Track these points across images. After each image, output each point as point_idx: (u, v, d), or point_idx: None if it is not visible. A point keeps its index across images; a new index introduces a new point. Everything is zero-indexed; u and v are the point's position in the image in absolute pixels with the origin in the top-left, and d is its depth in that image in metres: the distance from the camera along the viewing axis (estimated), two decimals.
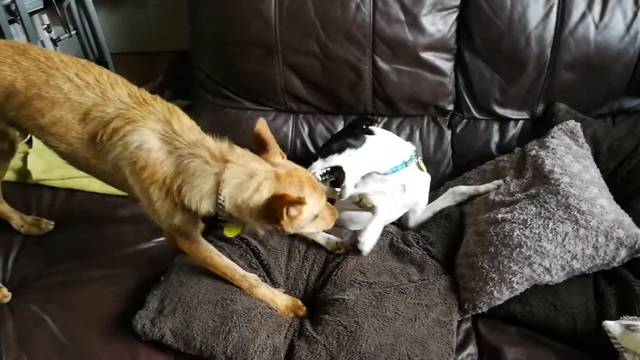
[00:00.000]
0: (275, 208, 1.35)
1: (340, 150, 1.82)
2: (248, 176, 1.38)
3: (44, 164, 2.02)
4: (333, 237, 1.82)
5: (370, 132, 1.92)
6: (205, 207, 1.40)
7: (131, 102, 1.43)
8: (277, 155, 1.50)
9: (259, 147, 1.51)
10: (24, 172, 2.02)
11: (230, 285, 1.65)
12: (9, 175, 2.03)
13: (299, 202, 1.35)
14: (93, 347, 1.58)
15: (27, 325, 1.62)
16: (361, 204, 1.80)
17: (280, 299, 1.66)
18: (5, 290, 1.72)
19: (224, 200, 1.38)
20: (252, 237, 1.84)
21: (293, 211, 1.36)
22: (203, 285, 1.64)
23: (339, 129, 2.22)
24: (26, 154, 2.00)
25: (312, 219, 1.48)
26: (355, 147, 1.84)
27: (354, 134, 1.89)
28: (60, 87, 1.42)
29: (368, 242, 1.71)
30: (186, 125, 1.44)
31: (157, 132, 1.40)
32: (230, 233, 1.64)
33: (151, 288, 1.65)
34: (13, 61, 1.44)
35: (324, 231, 1.81)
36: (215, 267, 1.63)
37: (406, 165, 1.91)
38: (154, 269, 1.78)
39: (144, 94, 1.47)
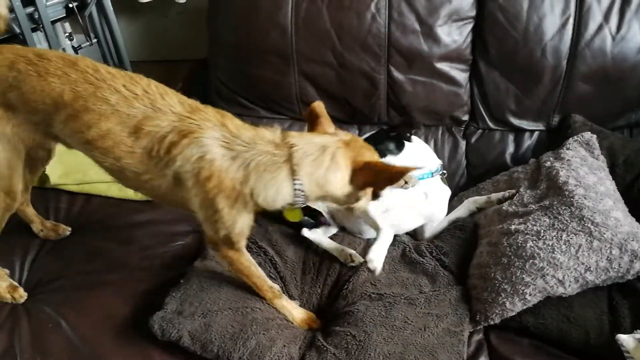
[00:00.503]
0: (367, 174, 1.36)
1: (380, 155, 1.83)
2: (319, 151, 1.36)
3: (61, 169, 2.05)
4: (346, 249, 1.82)
5: (409, 139, 1.94)
6: (283, 198, 1.38)
7: (183, 110, 1.40)
8: (330, 126, 1.49)
9: (311, 125, 1.49)
10: (42, 177, 2.06)
11: (250, 294, 1.66)
12: None
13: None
14: (106, 351, 1.59)
15: (41, 327, 1.65)
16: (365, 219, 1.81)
17: (297, 312, 1.67)
18: (21, 290, 1.74)
19: (302, 184, 1.35)
20: (271, 246, 1.86)
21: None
22: (224, 293, 1.65)
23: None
24: None
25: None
26: (394, 153, 1.87)
27: (395, 139, 1.90)
28: (108, 99, 1.38)
29: (376, 260, 1.68)
30: (239, 125, 1.42)
31: (216, 139, 1.36)
32: (293, 217, 1.60)
33: (169, 291, 1.67)
34: (62, 73, 1.40)
35: (337, 241, 1.83)
36: (250, 276, 1.62)
37: (432, 176, 1.93)
38: (170, 274, 1.80)
39: (193, 102, 1.44)
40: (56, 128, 1.45)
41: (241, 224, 1.44)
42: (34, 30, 2.47)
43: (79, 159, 1.99)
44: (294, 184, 1.35)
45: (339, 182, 1.38)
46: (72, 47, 2.82)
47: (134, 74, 1.45)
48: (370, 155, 1.43)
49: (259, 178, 1.35)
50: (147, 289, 1.77)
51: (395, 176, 1.40)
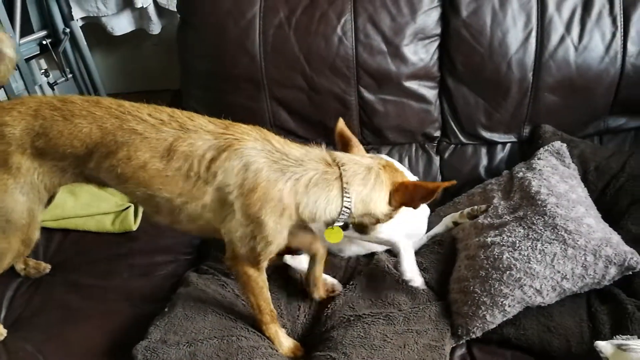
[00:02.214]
0: (403, 195, 1.44)
1: None
2: (365, 171, 1.42)
3: None
4: (328, 279, 1.82)
5: None
6: (329, 214, 1.41)
7: (216, 128, 1.40)
8: (361, 149, 1.55)
9: (342, 146, 1.55)
10: None
11: (235, 322, 1.66)
12: None
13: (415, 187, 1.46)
14: None
15: None
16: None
17: (285, 339, 1.66)
18: (1, 327, 1.72)
19: (350, 201, 1.40)
20: None
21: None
22: (209, 321, 1.64)
23: None
24: None
25: None
26: None
27: None
28: (135, 129, 1.38)
29: (414, 276, 1.71)
30: (283, 141, 1.43)
31: (260, 150, 1.37)
32: (336, 238, 1.57)
33: (153, 319, 1.66)
34: (87, 112, 1.42)
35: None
36: (259, 297, 1.58)
37: None
38: (150, 305, 1.78)
39: (224, 120, 1.45)
40: (87, 168, 1.45)
41: (280, 239, 1.44)
42: None
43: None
44: (344, 201, 1.39)
45: (382, 202, 1.45)
46: (48, 83, 2.84)
47: (157, 105, 1.46)
48: (402, 177, 1.49)
49: (309, 193, 1.38)
50: (128, 321, 1.75)
51: (430, 193, 1.44)
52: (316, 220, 1.43)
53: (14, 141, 1.41)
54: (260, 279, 1.56)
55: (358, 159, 1.45)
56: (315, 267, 1.74)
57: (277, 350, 1.63)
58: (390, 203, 1.46)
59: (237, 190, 1.36)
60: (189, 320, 1.63)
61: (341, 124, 1.57)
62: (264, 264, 1.53)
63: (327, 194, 1.39)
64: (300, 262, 1.86)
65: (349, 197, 1.40)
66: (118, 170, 1.41)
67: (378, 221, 1.50)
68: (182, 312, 1.67)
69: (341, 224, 1.46)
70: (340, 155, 1.44)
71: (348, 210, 1.41)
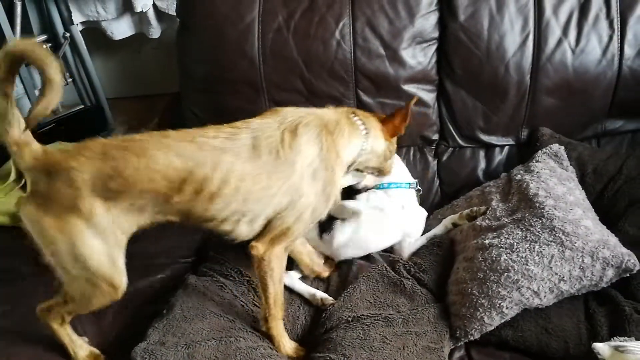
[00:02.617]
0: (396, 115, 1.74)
1: None
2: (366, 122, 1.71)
3: None
4: (318, 293, 1.83)
5: None
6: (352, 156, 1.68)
7: (273, 118, 1.57)
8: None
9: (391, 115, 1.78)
10: (18, 216, 2.04)
11: (234, 323, 1.67)
12: (3, 220, 2.07)
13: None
14: None
15: None
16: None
17: (287, 340, 1.68)
18: None
19: (367, 145, 1.69)
20: (255, 276, 1.86)
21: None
22: (207, 322, 1.65)
23: None
24: (20, 199, 2.03)
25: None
26: None
27: None
28: (214, 146, 1.44)
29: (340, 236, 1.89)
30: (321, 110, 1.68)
31: (316, 125, 1.57)
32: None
33: (152, 322, 1.66)
34: (160, 145, 1.42)
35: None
36: (278, 285, 1.62)
37: (409, 187, 2.03)
38: (150, 307, 1.80)
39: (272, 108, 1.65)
40: (171, 202, 1.44)
41: (338, 190, 1.69)
42: None
43: None
44: (362, 148, 1.68)
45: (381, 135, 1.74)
46: None
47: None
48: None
49: (351, 144, 1.64)
50: (127, 323, 1.76)
51: (404, 114, 1.74)
52: (350, 163, 1.69)
53: (84, 186, 1.37)
54: (284, 261, 1.62)
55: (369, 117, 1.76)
56: (301, 258, 1.89)
57: (275, 351, 1.63)
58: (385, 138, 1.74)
59: (318, 157, 1.54)
60: (187, 322, 1.64)
61: (411, 104, 1.76)
62: (292, 244, 1.64)
63: (355, 141, 1.66)
64: (290, 279, 1.87)
65: (366, 144, 1.67)
66: (208, 191, 1.43)
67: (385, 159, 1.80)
68: (181, 314, 1.67)
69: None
70: (358, 113, 1.71)
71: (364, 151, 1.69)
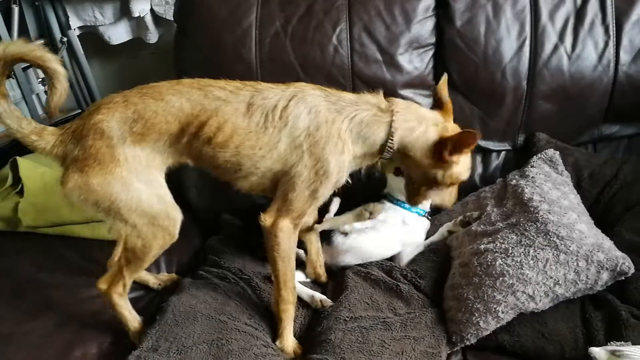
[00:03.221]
0: (440, 148, 1.55)
1: None
2: (417, 121, 1.57)
3: (33, 210, 2.04)
4: (316, 295, 1.84)
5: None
6: (372, 149, 1.60)
7: (282, 85, 1.60)
8: (449, 118, 1.66)
9: (437, 105, 1.69)
10: (14, 221, 2.05)
11: (226, 324, 1.66)
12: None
13: (460, 149, 1.56)
14: None
15: None
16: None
17: (291, 336, 1.69)
18: None
19: (392, 143, 1.56)
20: (254, 275, 1.89)
21: (454, 156, 1.56)
22: (199, 325, 1.65)
23: None
24: (17, 204, 2.03)
25: (463, 174, 1.67)
26: None
27: None
28: (218, 96, 1.54)
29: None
30: (336, 90, 1.62)
31: (319, 96, 1.57)
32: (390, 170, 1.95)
33: (146, 328, 1.66)
34: (174, 90, 1.54)
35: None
36: (287, 263, 1.64)
37: (423, 215, 2.06)
38: (147, 313, 1.79)
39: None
40: (180, 144, 1.56)
41: (338, 176, 1.57)
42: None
43: (50, 198, 2.01)
44: (389, 142, 1.56)
45: (419, 151, 1.59)
46: (45, 92, 2.84)
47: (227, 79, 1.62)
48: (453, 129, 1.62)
49: (363, 129, 1.56)
50: (123, 329, 1.74)
51: (472, 137, 1.54)
52: (363, 154, 1.60)
53: (114, 133, 1.49)
54: (295, 237, 1.64)
55: (416, 110, 1.61)
56: (311, 248, 1.91)
57: (270, 349, 1.63)
58: (433, 156, 1.58)
59: (305, 132, 1.53)
60: (178, 326, 1.64)
61: (443, 82, 1.69)
62: (300, 221, 1.63)
63: (378, 133, 1.56)
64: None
65: (392, 141, 1.56)
66: (208, 135, 1.53)
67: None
68: (172, 319, 1.67)
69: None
70: (399, 103, 1.60)
71: (390, 149, 1.57)
